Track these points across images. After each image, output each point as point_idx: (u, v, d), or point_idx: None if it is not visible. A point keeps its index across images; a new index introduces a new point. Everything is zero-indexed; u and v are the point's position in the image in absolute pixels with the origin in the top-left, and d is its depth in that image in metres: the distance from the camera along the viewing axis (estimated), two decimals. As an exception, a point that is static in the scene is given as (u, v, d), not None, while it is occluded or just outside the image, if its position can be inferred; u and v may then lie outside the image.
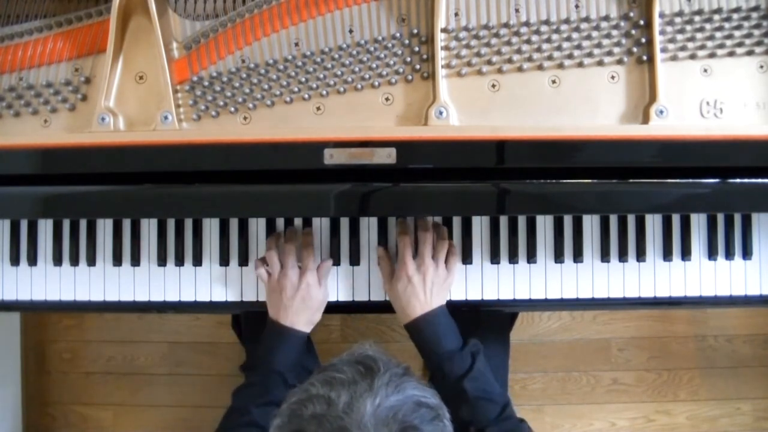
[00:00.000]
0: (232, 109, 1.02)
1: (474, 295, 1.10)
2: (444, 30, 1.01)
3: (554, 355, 1.87)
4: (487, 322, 1.23)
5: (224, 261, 1.11)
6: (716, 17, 1.01)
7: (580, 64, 1.01)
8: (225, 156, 0.98)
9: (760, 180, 0.98)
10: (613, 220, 1.11)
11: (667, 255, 1.10)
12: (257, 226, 1.11)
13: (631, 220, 1.11)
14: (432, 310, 1.02)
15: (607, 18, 1.01)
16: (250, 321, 1.21)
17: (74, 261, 1.12)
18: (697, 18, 1.01)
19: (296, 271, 1.04)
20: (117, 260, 1.12)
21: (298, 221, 1.11)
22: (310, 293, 1.03)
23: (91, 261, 1.12)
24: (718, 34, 1.01)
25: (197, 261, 1.11)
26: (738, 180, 0.98)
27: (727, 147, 0.97)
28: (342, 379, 0.70)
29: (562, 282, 1.10)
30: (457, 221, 1.11)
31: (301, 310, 1.03)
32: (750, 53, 1.01)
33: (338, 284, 1.11)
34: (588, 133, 0.98)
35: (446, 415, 0.73)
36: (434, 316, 1.02)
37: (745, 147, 0.98)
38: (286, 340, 1.03)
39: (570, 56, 1.01)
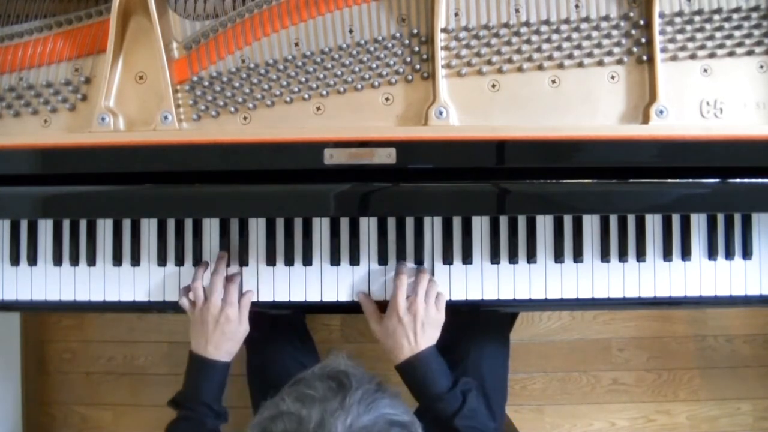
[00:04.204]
0: (232, 109, 1.02)
1: (474, 295, 1.10)
2: (444, 30, 1.01)
3: (554, 355, 1.87)
4: (487, 322, 1.24)
5: (224, 261, 1.11)
6: (716, 17, 1.01)
7: (580, 64, 1.01)
8: (225, 156, 0.98)
9: (760, 180, 0.98)
10: (613, 220, 1.11)
11: (667, 255, 1.10)
12: (257, 226, 1.11)
13: (631, 220, 1.11)
14: (421, 352, 1.02)
15: (607, 18, 1.01)
16: (251, 320, 1.21)
17: (74, 261, 1.11)
18: (697, 18, 1.01)
19: (218, 305, 1.04)
20: (117, 260, 1.12)
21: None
22: (230, 327, 1.04)
23: (91, 261, 1.12)
24: (718, 34, 1.01)
25: (197, 261, 1.11)
26: (738, 180, 0.98)
27: (727, 147, 0.97)
28: (313, 396, 0.69)
29: (562, 282, 1.10)
30: (457, 221, 1.11)
31: (222, 343, 1.04)
32: (750, 53, 1.01)
33: (338, 284, 1.11)
34: (588, 133, 0.98)
35: (418, 431, 0.72)
36: (424, 358, 1.02)
37: (745, 147, 0.98)
38: (209, 371, 1.04)
39: (570, 56, 1.01)
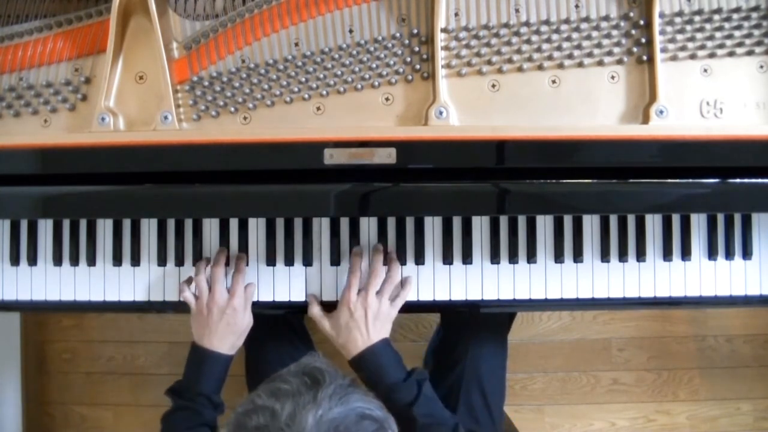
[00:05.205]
0: (232, 109, 1.02)
1: (474, 295, 1.10)
2: (444, 30, 1.01)
3: (554, 355, 1.87)
4: (485, 323, 1.24)
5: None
6: (716, 17, 1.01)
7: (580, 64, 1.01)
8: (225, 156, 0.98)
9: (760, 180, 0.98)
10: (613, 220, 1.11)
11: (667, 255, 1.10)
12: (257, 226, 1.11)
13: (631, 220, 1.11)
14: (374, 344, 1.03)
15: (607, 18, 1.01)
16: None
17: (74, 261, 1.11)
18: (697, 18, 1.01)
19: (224, 296, 1.04)
20: (117, 260, 1.12)
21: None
22: (236, 319, 1.04)
23: (91, 261, 1.12)
24: (718, 34, 1.01)
25: (197, 261, 1.11)
26: (738, 180, 0.98)
27: (727, 147, 0.97)
28: (287, 390, 0.71)
29: (562, 282, 1.10)
30: (457, 221, 1.11)
31: (226, 335, 1.04)
32: (750, 53, 1.01)
33: (338, 284, 1.11)
34: (588, 133, 0.98)
35: (392, 427, 0.73)
36: (377, 350, 1.03)
37: (745, 147, 0.98)
38: (211, 364, 1.04)
39: (570, 56, 1.01)
